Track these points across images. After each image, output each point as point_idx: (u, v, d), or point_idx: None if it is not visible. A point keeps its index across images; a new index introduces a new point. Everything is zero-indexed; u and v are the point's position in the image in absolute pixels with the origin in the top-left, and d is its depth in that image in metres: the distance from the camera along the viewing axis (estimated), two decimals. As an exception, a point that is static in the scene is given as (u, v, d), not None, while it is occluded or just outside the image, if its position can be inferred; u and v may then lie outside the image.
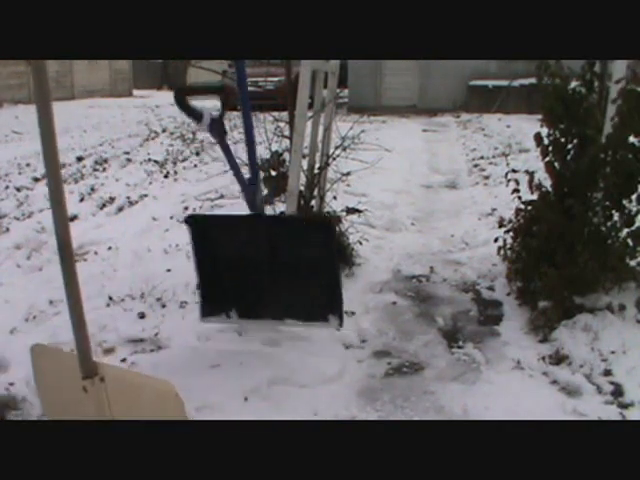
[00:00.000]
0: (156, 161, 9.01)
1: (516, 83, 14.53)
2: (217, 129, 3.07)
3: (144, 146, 10.67)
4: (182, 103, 2.98)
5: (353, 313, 3.94)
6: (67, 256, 2.21)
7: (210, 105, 3.09)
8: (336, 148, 4.58)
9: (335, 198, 4.99)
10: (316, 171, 4.50)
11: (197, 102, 3.03)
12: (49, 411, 2.65)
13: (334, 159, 4.55)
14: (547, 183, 3.92)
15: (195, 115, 3.02)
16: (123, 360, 3.31)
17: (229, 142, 3.13)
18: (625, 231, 3.71)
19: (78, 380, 2.26)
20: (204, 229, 3.30)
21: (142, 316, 3.81)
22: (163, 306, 3.93)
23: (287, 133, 4.40)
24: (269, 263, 3.20)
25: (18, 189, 7.25)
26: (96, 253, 4.90)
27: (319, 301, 3.19)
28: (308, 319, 3.26)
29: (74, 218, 5.86)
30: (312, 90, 4.26)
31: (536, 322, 3.64)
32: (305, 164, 4.42)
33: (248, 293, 3.33)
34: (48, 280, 4.32)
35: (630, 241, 3.70)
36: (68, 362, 2.35)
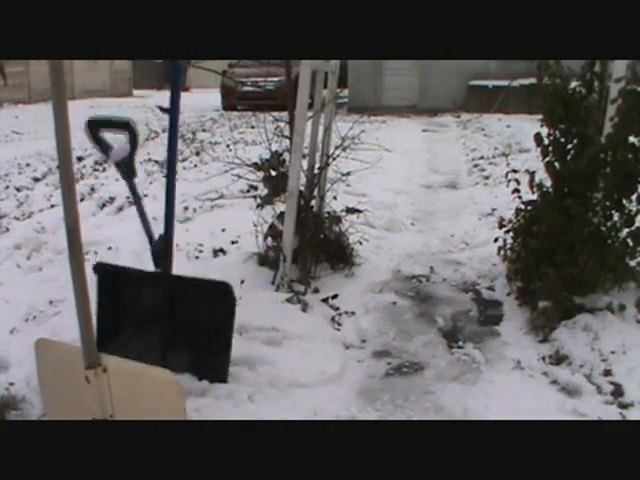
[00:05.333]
0: (156, 161, 8.97)
1: (516, 83, 14.50)
2: (125, 170, 2.85)
3: (144, 146, 10.63)
4: (93, 135, 2.81)
5: (353, 313, 3.94)
6: (75, 242, 2.21)
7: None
8: (336, 148, 4.57)
9: (335, 198, 4.99)
10: (316, 171, 4.50)
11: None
12: (51, 404, 2.66)
13: (334, 159, 4.55)
14: (547, 183, 3.91)
15: (103, 149, 2.83)
16: (123, 360, 3.31)
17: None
18: (625, 231, 3.70)
19: (81, 371, 2.27)
20: (111, 278, 3.29)
21: (142, 316, 3.81)
22: (163, 306, 3.92)
23: (287, 133, 4.40)
24: (166, 322, 3.13)
25: (18, 189, 7.24)
26: (96, 253, 4.89)
27: (207, 366, 3.08)
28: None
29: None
30: (312, 90, 4.26)
31: (536, 322, 3.64)
32: (305, 164, 4.41)
33: (141, 346, 3.20)
34: (48, 280, 4.32)
35: (630, 241, 3.70)
36: (71, 355, 2.37)
